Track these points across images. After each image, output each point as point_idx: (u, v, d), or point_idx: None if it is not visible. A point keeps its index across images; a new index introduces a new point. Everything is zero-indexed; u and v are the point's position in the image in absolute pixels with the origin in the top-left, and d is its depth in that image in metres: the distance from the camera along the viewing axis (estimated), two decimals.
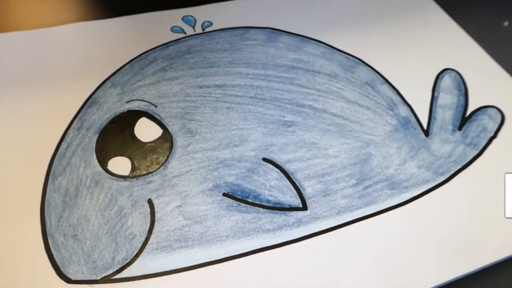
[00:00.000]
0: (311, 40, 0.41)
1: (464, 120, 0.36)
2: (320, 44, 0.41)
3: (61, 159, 0.30)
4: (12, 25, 0.40)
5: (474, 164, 0.33)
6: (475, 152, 0.34)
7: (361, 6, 0.45)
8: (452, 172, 0.33)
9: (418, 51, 0.41)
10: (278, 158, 0.32)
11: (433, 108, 0.37)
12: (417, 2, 0.47)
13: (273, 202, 0.30)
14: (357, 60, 0.40)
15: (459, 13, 0.46)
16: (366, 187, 0.31)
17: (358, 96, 0.37)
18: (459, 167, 0.33)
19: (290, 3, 0.45)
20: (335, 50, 0.41)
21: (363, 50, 0.41)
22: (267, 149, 0.32)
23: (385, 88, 0.38)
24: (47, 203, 0.28)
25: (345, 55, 0.40)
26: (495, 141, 0.35)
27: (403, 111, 0.36)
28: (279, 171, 0.31)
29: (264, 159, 0.32)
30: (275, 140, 0.33)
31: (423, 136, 0.35)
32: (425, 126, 0.35)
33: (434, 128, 0.35)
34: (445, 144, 0.34)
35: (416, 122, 0.36)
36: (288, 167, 0.32)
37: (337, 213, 0.30)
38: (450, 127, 0.35)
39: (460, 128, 0.35)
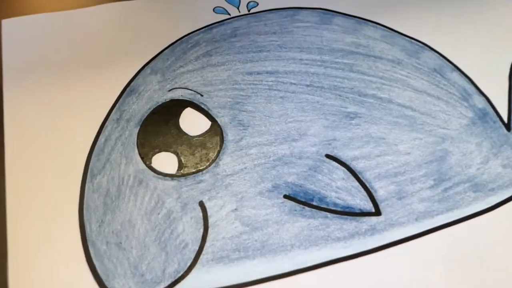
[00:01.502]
0: (368, 22, 0.37)
1: None
2: (379, 26, 0.37)
3: (99, 154, 0.27)
4: (43, 6, 0.37)
5: None
6: None
7: None
8: None
9: (489, 35, 0.37)
10: (343, 154, 0.28)
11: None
12: None
13: (341, 205, 0.26)
14: (421, 45, 0.35)
15: None
16: (446, 189, 0.27)
17: (426, 84, 0.32)
18: None
19: None
20: (395, 33, 0.36)
21: (427, 33, 0.36)
22: (329, 144, 0.28)
23: (456, 76, 0.33)
24: (86, 205, 0.25)
25: (408, 38, 0.36)
26: None
27: (479, 102, 0.32)
28: (345, 169, 0.27)
29: (327, 156, 0.28)
30: (338, 134, 0.29)
31: (505, 130, 0.30)
32: (505, 119, 0.31)
33: None
34: None
35: (495, 115, 0.31)
36: (355, 165, 0.28)
37: (416, 219, 0.26)
38: None
39: None
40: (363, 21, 0.37)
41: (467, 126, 0.30)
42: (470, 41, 0.36)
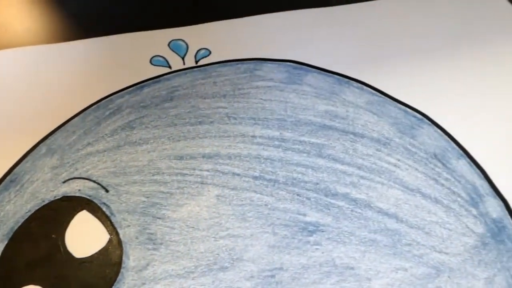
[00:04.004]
0: (352, 82, 0.28)
1: None
2: (365, 88, 0.28)
3: None
4: None
5: None
6: None
7: (428, 31, 0.32)
8: None
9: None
10: None
11: None
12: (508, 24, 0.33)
13: None
14: (419, 116, 0.27)
15: None
16: None
17: (421, 179, 0.24)
18: None
19: (324, 24, 0.32)
20: (387, 98, 0.28)
21: (430, 99, 0.28)
22: (273, 277, 0.20)
23: (463, 166, 0.24)
24: None
25: (403, 107, 0.27)
26: None
27: (494, 208, 0.23)
28: None
29: None
30: (287, 260, 0.21)
31: None
32: None
33: None
34: None
35: None
36: None
37: None
38: None
39: None
40: (346, 79, 0.28)
41: (474, 250, 0.21)
42: (487, 112, 0.27)
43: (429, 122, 0.26)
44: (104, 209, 0.22)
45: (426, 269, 0.21)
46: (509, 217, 0.23)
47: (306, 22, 0.31)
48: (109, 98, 0.26)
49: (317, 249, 0.21)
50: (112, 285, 0.19)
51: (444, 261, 0.21)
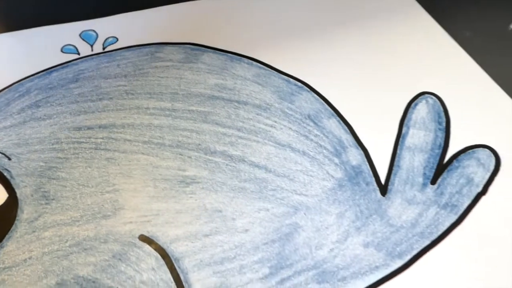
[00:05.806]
0: (243, 58, 0.31)
1: (441, 168, 0.26)
2: (255, 63, 0.31)
3: None
4: None
5: (451, 238, 0.23)
6: (453, 218, 0.24)
7: (314, 12, 0.35)
8: (414, 253, 0.23)
9: (385, 69, 0.31)
10: (162, 235, 0.23)
11: (398, 152, 0.27)
12: (393, 2, 0.36)
13: None
14: (300, 85, 0.30)
15: (447, 16, 0.35)
16: (282, 280, 0.21)
17: (293, 136, 0.27)
18: (427, 243, 0.23)
19: (221, 11, 0.35)
20: (273, 71, 0.31)
21: (311, 70, 0.31)
22: (149, 221, 0.23)
23: (332, 124, 0.28)
24: None
25: (286, 77, 0.30)
26: (483, 199, 0.24)
27: (354, 157, 0.26)
28: (159, 256, 0.22)
29: (142, 238, 0.23)
30: (163, 207, 0.24)
31: (378, 194, 0.25)
32: (383, 179, 0.25)
33: (396, 182, 0.25)
34: (408, 207, 0.24)
35: (370, 173, 0.26)
36: (174, 250, 0.22)
37: None
38: (420, 179, 0.25)
39: (434, 182, 0.25)
40: (238, 57, 0.32)
41: (331, 191, 0.25)
42: (359, 78, 0.31)
43: (308, 89, 0.30)
44: (5, 174, 0.25)
45: (286, 209, 0.24)
46: (367, 163, 0.26)
47: (204, 11, 0.35)
48: (20, 82, 0.29)
49: (191, 197, 0.24)
50: (6, 234, 0.22)
51: (303, 202, 0.24)
